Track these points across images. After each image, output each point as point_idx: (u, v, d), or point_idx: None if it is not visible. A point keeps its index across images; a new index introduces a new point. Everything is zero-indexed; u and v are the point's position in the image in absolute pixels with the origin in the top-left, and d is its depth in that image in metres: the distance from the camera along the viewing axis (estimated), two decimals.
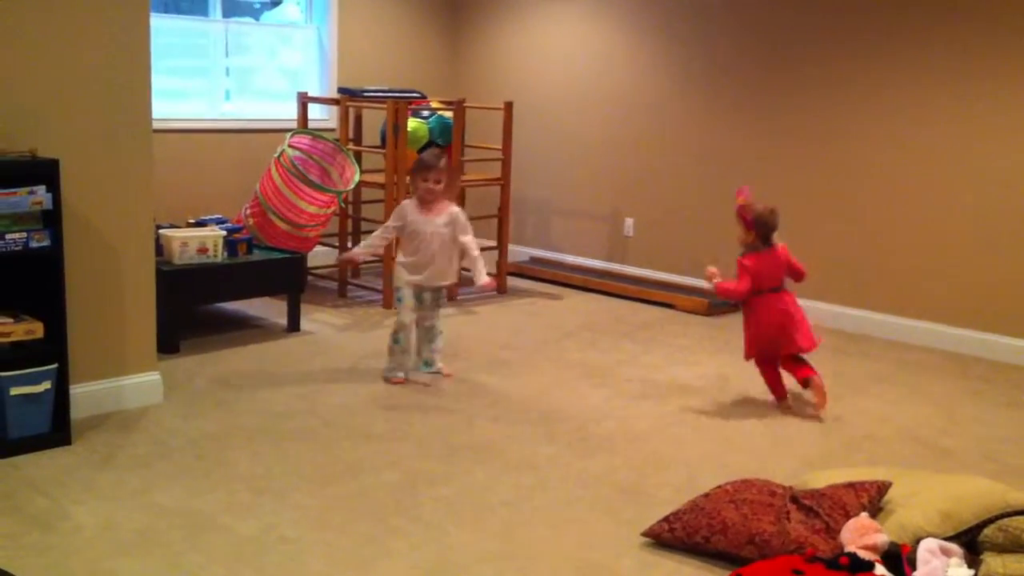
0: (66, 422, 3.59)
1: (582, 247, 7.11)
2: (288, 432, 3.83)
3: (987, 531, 2.79)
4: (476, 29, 7.52)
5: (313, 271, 6.24)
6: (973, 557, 2.77)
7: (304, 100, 6.33)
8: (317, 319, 5.57)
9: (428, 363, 4.61)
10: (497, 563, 2.87)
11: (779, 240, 4.32)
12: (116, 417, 3.86)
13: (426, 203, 4.44)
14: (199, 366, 4.59)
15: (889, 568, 2.67)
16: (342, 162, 5.75)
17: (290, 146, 5.48)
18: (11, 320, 3.49)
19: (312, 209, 5.31)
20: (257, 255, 5.24)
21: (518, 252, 7.24)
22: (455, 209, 4.49)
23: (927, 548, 2.70)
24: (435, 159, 4.46)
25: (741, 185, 4.39)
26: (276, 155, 5.38)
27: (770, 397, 4.40)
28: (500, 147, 6.32)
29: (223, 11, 6.44)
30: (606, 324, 5.76)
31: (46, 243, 3.44)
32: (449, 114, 6.22)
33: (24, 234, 3.39)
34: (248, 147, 6.34)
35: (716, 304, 5.93)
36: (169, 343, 4.64)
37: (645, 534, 3.04)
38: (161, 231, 4.89)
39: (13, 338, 3.46)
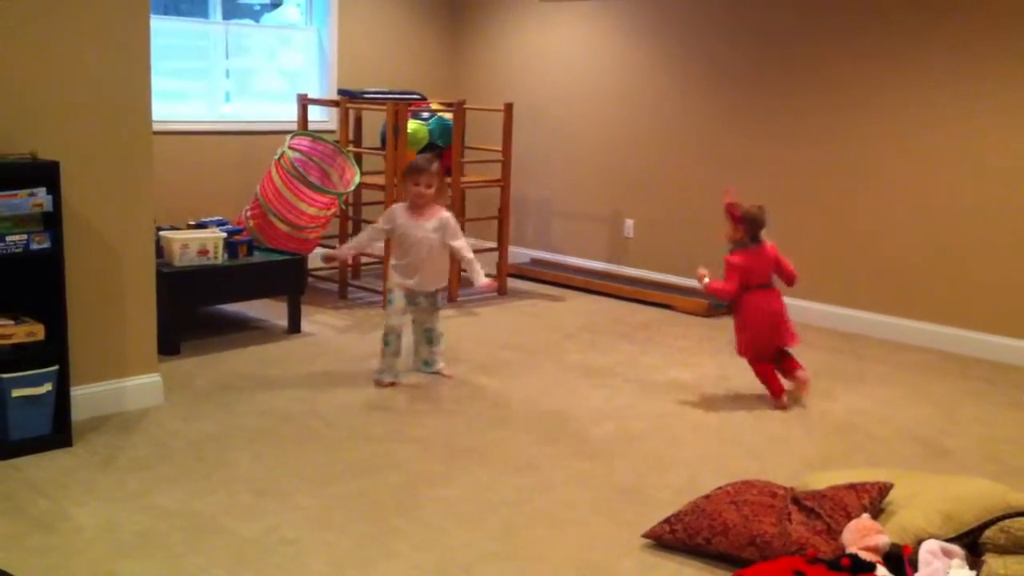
0: (67, 424, 3.59)
1: (582, 248, 7.11)
2: (289, 433, 3.83)
3: (988, 532, 2.78)
4: (476, 30, 7.53)
5: (313, 273, 6.23)
6: (975, 559, 2.76)
7: (304, 102, 6.33)
8: (318, 321, 5.57)
9: (428, 363, 4.62)
10: (498, 564, 2.87)
11: (775, 240, 4.36)
12: (117, 419, 3.86)
13: (417, 207, 4.43)
14: (200, 368, 4.59)
15: (891, 569, 2.67)
16: (342, 164, 5.76)
17: (290, 148, 5.48)
18: (12, 322, 3.49)
19: (312, 211, 5.32)
20: (257, 257, 5.24)
21: (518, 254, 7.24)
22: (446, 214, 4.47)
23: (928, 549, 2.70)
24: (426, 163, 4.45)
25: (730, 185, 4.45)
26: (276, 157, 5.39)
27: (769, 396, 4.40)
28: (500, 148, 6.32)
29: (223, 13, 6.44)
30: (606, 325, 5.76)
31: (47, 245, 3.44)
32: (449, 116, 6.21)
33: (25, 236, 3.39)
34: (248, 149, 6.34)
35: (716, 305, 5.93)
36: (170, 345, 4.65)
37: (646, 535, 3.05)
38: (161, 233, 4.90)
39: (14, 340, 3.46)
